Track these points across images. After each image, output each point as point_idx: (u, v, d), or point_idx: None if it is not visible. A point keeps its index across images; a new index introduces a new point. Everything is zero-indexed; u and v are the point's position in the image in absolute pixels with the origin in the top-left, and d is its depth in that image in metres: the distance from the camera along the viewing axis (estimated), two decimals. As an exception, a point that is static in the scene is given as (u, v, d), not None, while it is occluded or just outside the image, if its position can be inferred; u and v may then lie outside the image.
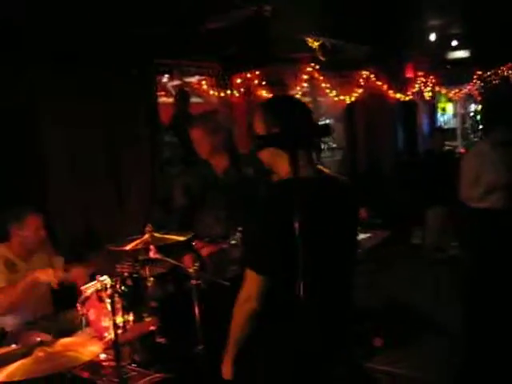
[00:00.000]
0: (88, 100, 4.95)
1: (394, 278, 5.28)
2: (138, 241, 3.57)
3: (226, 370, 2.43)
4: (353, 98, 8.96)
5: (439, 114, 14.72)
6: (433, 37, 9.05)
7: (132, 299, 3.36)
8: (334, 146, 10.10)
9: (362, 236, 5.65)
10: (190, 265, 3.47)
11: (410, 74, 10.49)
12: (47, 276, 3.71)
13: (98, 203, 4.99)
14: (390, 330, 4.63)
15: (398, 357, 4.34)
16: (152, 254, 3.51)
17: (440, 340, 4.57)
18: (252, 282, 2.21)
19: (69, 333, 3.49)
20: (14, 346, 3.14)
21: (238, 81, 6.72)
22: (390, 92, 9.80)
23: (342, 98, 8.66)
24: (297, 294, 2.04)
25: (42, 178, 4.71)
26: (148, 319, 3.45)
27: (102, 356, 3.17)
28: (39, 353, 2.83)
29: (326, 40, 5.89)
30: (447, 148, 9.11)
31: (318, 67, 7.52)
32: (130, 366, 3.20)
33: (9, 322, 3.84)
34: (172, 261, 3.53)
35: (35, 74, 4.60)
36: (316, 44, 5.81)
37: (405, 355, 4.37)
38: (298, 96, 7.72)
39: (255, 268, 2.20)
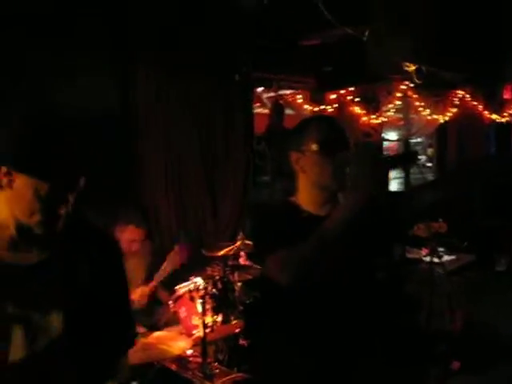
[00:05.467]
0: (187, 109, 5.19)
1: (475, 302, 5.24)
2: (229, 247, 3.79)
3: None
4: (446, 118, 8.86)
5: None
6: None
7: (221, 301, 3.57)
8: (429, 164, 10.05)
9: (446, 258, 5.66)
10: None
11: (507, 96, 10.23)
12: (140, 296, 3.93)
13: (194, 210, 5.19)
14: (469, 354, 4.61)
15: (475, 381, 4.34)
16: (242, 261, 3.72)
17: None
18: None
19: (160, 327, 3.77)
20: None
21: (332, 96, 6.85)
22: (486, 113, 9.61)
23: (435, 117, 8.58)
24: None
25: (141, 185, 4.95)
26: (234, 321, 3.64)
27: (189, 352, 3.41)
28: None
29: (422, 65, 5.90)
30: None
31: (412, 85, 7.51)
32: (214, 364, 3.41)
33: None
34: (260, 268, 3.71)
35: (139, 81, 4.88)
36: (412, 68, 5.85)
37: (482, 380, 4.35)
38: (390, 113, 7.79)
39: None
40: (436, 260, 4.89)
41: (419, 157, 7.87)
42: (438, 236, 4.92)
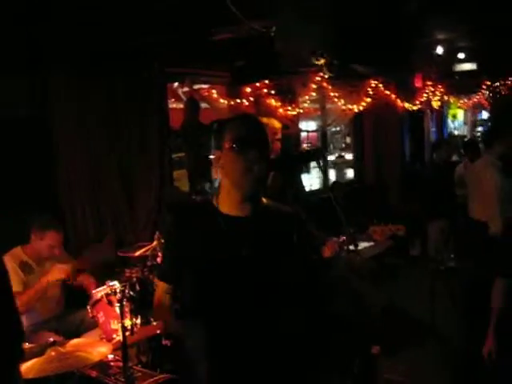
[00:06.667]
0: (100, 107, 5.08)
1: (392, 287, 5.42)
2: (146, 247, 3.74)
3: None
4: (361, 107, 9.06)
5: (450, 121, 14.87)
6: (440, 50, 9.21)
7: (140, 303, 3.52)
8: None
9: (364, 244, 5.79)
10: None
11: (418, 84, 10.59)
12: (59, 273, 3.86)
13: (109, 209, 5.08)
14: (388, 338, 4.75)
15: (395, 363, 4.48)
16: (160, 260, 3.66)
17: (436, 347, 4.70)
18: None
19: (78, 333, 3.68)
20: (27, 344, 3.32)
21: (248, 90, 6.85)
22: (398, 101, 9.91)
23: (350, 106, 8.76)
24: None
25: (56, 184, 4.82)
26: (155, 323, 3.59)
27: (110, 356, 3.33)
28: (51, 352, 3.01)
29: (332, 59, 6.03)
30: (454, 159, 9.15)
31: (326, 77, 7.62)
32: (136, 367, 3.35)
33: (23, 321, 4.00)
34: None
35: (51, 82, 4.74)
36: (322, 61, 5.95)
37: (401, 362, 4.50)
38: (306, 104, 7.89)
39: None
40: (352, 248, 4.99)
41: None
42: (395, 238, 5.01)
